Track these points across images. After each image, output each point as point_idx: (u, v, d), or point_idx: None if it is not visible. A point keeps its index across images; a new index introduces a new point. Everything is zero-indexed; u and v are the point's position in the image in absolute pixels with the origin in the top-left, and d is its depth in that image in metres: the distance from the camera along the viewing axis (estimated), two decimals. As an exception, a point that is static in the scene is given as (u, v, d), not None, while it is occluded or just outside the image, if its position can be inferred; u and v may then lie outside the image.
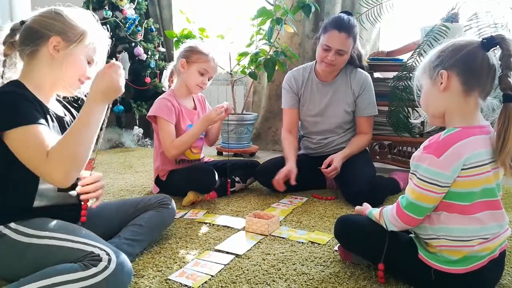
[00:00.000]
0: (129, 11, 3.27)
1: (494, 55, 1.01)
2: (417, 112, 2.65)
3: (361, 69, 2.11)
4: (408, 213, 1.03)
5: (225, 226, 1.59)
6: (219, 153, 3.22)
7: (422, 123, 2.83)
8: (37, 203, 1.10)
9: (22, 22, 1.10)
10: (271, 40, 2.89)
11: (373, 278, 1.17)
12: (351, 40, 1.94)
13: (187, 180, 1.89)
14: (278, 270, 1.22)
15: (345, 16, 1.96)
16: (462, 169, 0.98)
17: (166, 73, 2.10)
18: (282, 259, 1.29)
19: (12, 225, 1.05)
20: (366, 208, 1.25)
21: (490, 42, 1.00)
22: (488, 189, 1.00)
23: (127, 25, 3.20)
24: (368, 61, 2.61)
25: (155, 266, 1.24)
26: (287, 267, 1.24)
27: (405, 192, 1.06)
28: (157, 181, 2.00)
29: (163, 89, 3.49)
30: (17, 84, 1.08)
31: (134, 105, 3.31)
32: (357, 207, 1.30)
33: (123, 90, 1.06)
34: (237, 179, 2.06)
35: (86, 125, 1.00)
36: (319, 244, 1.42)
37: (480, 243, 1.00)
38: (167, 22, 3.81)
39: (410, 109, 2.33)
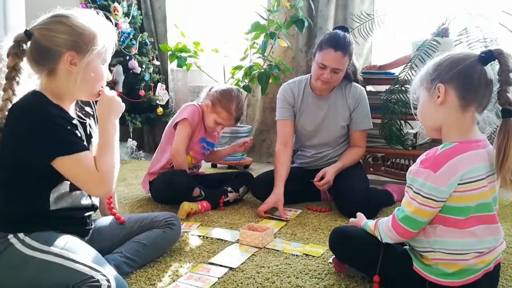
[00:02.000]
0: (124, 25, 3.29)
1: (493, 69, 1.02)
2: (409, 125, 2.67)
3: (356, 83, 2.12)
4: (404, 226, 1.03)
5: (218, 239, 1.58)
6: (213, 165, 3.21)
7: (415, 135, 2.86)
8: (54, 206, 1.10)
9: (27, 34, 1.06)
10: (265, 54, 2.92)
11: (367, 290, 1.17)
12: (347, 58, 1.93)
13: (164, 184, 1.93)
14: (272, 283, 1.21)
15: (341, 33, 1.94)
16: (458, 184, 0.98)
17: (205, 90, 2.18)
18: (277, 272, 1.29)
19: (21, 235, 1.04)
20: (360, 220, 1.25)
21: (488, 57, 0.99)
22: (484, 204, 1.00)
23: (121, 39, 3.22)
24: (361, 74, 2.64)
25: (148, 279, 1.22)
26: (282, 280, 1.23)
27: (402, 205, 1.05)
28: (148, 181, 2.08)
29: (157, 102, 3.50)
30: (40, 95, 1.07)
31: (128, 118, 3.30)
32: (352, 219, 1.30)
33: (123, 104, 1.18)
34: (229, 189, 2.06)
35: (110, 141, 1.12)
36: (313, 256, 1.41)
37: (476, 257, 1.00)
38: (161, 36, 3.84)
39: (402, 121, 2.36)
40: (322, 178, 1.96)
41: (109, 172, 1.08)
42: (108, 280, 0.98)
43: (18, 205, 1.07)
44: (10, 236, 1.04)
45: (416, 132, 2.80)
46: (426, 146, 2.65)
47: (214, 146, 2.24)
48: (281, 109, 2.12)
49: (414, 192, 1.01)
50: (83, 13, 1.12)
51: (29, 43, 1.07)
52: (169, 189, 1.89)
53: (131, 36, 3.28)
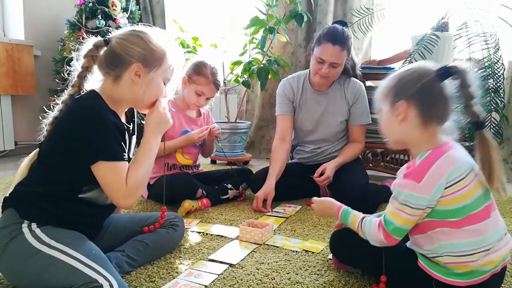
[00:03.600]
0: (122, 20, 3.28)
1: (453, 81, 1.01)
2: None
3: (355, 78, 2.11)
4: (396, 237, 1.03)
5: (218, 235, 1.58)
6: (213, 161, 3.21)
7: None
8: (82, 194, 1.14)
9: (106, 41, 1.15)
10: (264, 49, 2.91)
11: (367, 286, 1.17)
12: (345, 53, 1.92)
13: (169, 187, 1.89)
14: (272, 279, 1.22)
15: (340, 28, 1.94)
16: (446, 188, 0.98)
17: None
18: (276, 268, 1.29)
19: (33, 226, 1.06)
20: (332, 206, 1.24)
21: (444, 74, 1.00)
22: (475, 201, 0.99)
23: (120, 34, 3.20)
24: (360, 69, 2.63)
25: (148, 276, 1.23)
26: (281, 276, 1.23)
27: (388, 216, 1.04)
28: (147, 185, 2.02)
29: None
30: (99, 97, 1.14)
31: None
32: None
33: (171, 121, 1.23)
34: (229, 186, 2.06)
35: (148, 156, 1.17)
36: (313, 252, 1.41)
37: (483, 256, 0.98)
38: (160, 31, 3.83)
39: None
40: (322, 174, 1.96)
41: (136, 188, 1.12)
42: (111, 286, 0.98)
43: (50, 186, 1.10)
44: (24, 225, 1.06)
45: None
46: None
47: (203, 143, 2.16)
48: (281, 105, 2.13)
49: (401, 203, 1.01)
50: (160, 33, 1.20)
51: (105, 49, 1.16)
52: (173, 193, 1.87)
53: (129, 32, 3.26)
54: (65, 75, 1.21)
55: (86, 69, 1.17)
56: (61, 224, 1.09)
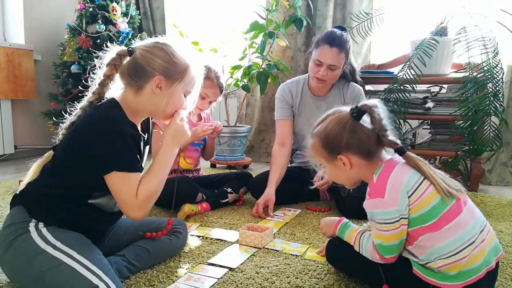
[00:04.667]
0: (122, 25, 3.29)
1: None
2: (408, 124, 2.68)
3: (355, 83, 2.12)
4: (390, 256, 1.05)
5: (218, 239, 1.58)
6: (213, 165, 3.21)
7: (414, 134, 2.86)
8: (92, 200, 1.14)
9: (130, 51, 1.15)
10: (264, 54, 2.92)
11: (367, 290, 1.17)
12: (343, 56, 1.93)
13: (170, 191, 1.88)
14: (272, 283, 1.21)
15: (338, 31, 1.96)
16: (409, 196, 1.01)
17: None
18: (276, 272, 1.29)
19: (40, 225, 1.07)
20: (335, 221, 1.26)
21: (359, 114, 1.07)
22: (440, 201, 1.01)
23: (120, 39, 3.22)
24: (360, 74, 2.64)
25: (148, 280, 1.22)
26: (281, 280, 1.23)
27: (374, 238, 1.06)
28: None
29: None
30: (118, 107, 1.14)
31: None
32: (323, 225, 1.32)
33: (189, 133, 1.22)
34: (229, 190, 2.06)
35: (163, 168, 1.16)
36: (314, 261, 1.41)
37: (473, 250, 0.99)
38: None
39: (401, 120, 2.36)
40: (321, 178, 1.96)
41: (147, 200, 1.11)
42: None
43: (60, 190, 1.11)
44: (31, 224, 1.07)
45: (415, 132, 2.81)
46: (425, 145, 2.65)
47: (205, 140, 2.16)
48: (280, 109, 2.13)
49: (378, 223, 1.04)
50: (183, 46, 1.21)
51: (128, 59, 1.16)
52: (171, 197, 1.88)
53: (129, 36, 3.28)
54: (88, 82, 1.21)
55: (108, 78, 1.17)
56: (68, 226, 1.10)
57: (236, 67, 3.07)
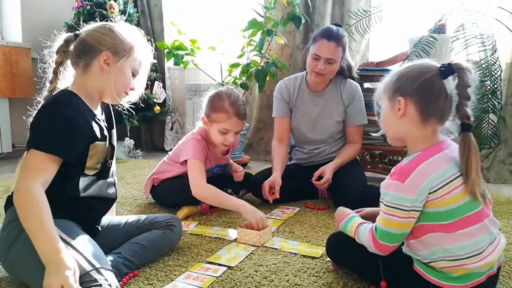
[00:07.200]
0: (120, 22, 3.28)
1: (454, 79, 1.01)
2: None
3: (351, 79, 2.13)
4: (382, 242, 1.02)
5: (216, 237, 1.58)
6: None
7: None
8: (83, 193, 1.17)
9: (76, 35, 1.19)
10: (262, 51, 2.92)
11: (365, 288, 1.17)
12: (340, 49, 1.96)
13: (174, 191, 1.89)
14: (270, 281, 1.21)
15: (334, 27, 2.00)
16: (433, 191, 0.97)
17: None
18: (275, 270, 1.29)
19: None
20: (344, 215, 1.23)
21: (447, 71, 1.00)
22: (465, 204, 0.98)
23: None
24: (358, 71, 2.63)
25: (146, 279, 1.22)
26: (280, 279, 1.23)
27: (380, 224, 1.04)
28: (152, 186, 2.01)
29: (154, 100, 3.47)
30: (69, 94, 1.16)
31: (125, 117, 3.30)
32: (337, 216, 1.27)
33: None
34: (229, 190, 2.05)
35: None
36: (312, 257, 1.41)
37: (478, 260, 0.98)
38: (158, 34, 3.83)
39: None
40: (320, 176, 1.96)
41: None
42: (110, 286, 0.98)
43: (58, 188, 1.11)
44: None
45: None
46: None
47: (227, 165, 2.08)
48: (277, 106, 2.15)
49: (385, 205, 1.01)
50: (130, 28, 1.26)
51: (75, 42, 1.19)
52: (176, 198, 1.88)
53: (127, 34, 3.27)
54: (40, 72, 1.24)
55: (60, 65, 1.20)
56: (63, 217, 1.11)
57: (235, 65, 3.07)
